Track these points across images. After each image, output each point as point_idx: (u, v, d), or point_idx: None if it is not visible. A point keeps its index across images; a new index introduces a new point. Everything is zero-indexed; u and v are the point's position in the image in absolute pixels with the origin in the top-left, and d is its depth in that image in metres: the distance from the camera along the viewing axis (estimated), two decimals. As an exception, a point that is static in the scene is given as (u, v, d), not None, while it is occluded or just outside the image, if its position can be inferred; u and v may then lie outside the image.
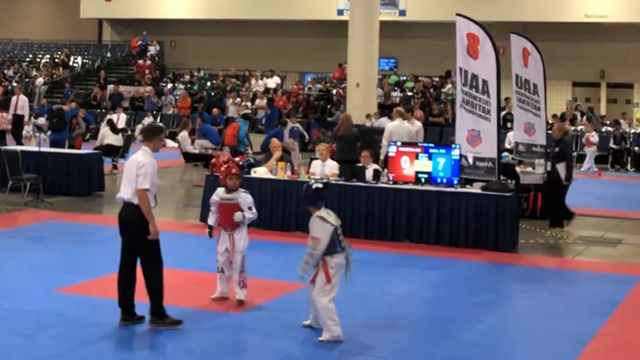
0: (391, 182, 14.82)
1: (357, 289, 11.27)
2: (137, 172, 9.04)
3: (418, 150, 14.78)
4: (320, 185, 9.49)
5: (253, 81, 38.38)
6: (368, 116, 27.18)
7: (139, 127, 34.43)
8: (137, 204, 9.05)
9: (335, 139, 18.70)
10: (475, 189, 14.52)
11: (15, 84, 40.71)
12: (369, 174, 15.18)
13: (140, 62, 41.84)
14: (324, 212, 9.30)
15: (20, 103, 26.56)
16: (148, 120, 34.81)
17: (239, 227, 10.32)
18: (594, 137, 28.97)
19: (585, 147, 29.07)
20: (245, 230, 10.42)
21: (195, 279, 10.55)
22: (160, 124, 16.91)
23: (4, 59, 44.05)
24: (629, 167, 29.86)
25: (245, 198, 10.33)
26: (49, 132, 23.12)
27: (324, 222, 9.18)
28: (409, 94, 35.22)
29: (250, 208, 10.33)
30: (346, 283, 9.28)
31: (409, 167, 14.75)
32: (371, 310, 10.37)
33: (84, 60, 44.21)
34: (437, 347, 8.99)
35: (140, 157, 9.18)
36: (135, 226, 9.11)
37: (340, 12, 38.26)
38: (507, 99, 27.33)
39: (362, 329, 9.59)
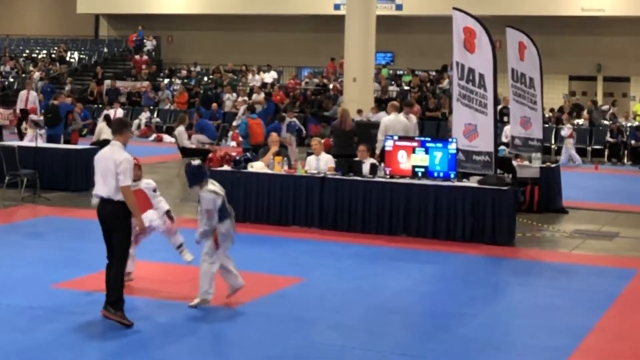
0: (388, 176, 14.82)
1: (354, 283, 11.32)
2: (117, 170, 9.07)
3: (415, 144, 14.79)
4: (199, 162, 10.17)
5: (250, 76, 38.37)
6: (359, 111, 27.11)
7: (135, 122, 34.52)
8: (117, 200, 9.09)
9: (333, 134, 18.67)
10: (472, 182, 14.53)
11: (12, 79, 40.80)
12: (365, 168, 15.20)
13: (137, 57, 41.79)
14: (211, 185, 9.91)
15: (31, 98, 26.67)
16: (145, 115, 34.89)
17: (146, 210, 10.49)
18: (565, 131, 28.81)
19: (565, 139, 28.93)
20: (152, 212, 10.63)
21: (191, 274, 10.53)
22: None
23: (1, 54, 43.96)
24: (625, 160, 29.86)
25: (147, 184, 10.65)
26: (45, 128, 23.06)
27: (216, 195, 9.81)
28: (406, 88, 35.23)
29: (154, 190, 10.71)
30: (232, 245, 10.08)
31: (405, 161, 14.75)
32: (368, 304, 10.38)
33: (81, 56, 44.15)
34: (434, 342, 9.01)
35: (115, 155, 9.19)
36: (114, 222, 9.17)
37: (336, 7, 38.18)
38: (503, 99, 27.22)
39: (360, 323, 9.62)
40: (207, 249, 9.88)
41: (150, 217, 10.47)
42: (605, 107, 34.19)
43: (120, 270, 9.28)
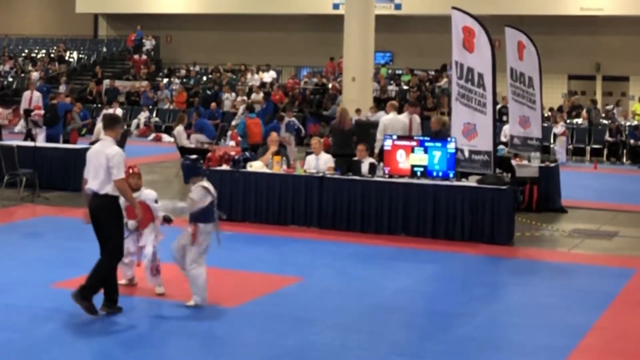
0: (387, 176, 14.82)
1: (353, 283, 11.33)
2: (110, 165, 9.25)
3: (414, 143, 14.79)
4: (195, 156, 10.30)
5: (249, 75, 38.38)
6: (358, 111, 27.13)
7: (134, 121, 34.53)
8: (102, 193, 9.28)
9: (332, 133, 18.66)
10: (471, 182, 14.53)
11: (10, 79, 40.79)
12: (364, 167, 15.20)
13: (136, 57, 41.78)
14: (206, 183, 9.99)
15: (35, 98, 26.74)
16: (144, 114, 34.88)
17: (148, 225, 10.45)
18: (558, 128, 28.78)
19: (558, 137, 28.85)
20: (156, 228, 10.55)
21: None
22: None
23: (0, 54, 43.95)
24: (624, 159, 29.88)
25: (147, 194, 10.57)
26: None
27: (205, 192, 9.88)
28: (405, 87, 35.24)
29: (156, 201, 10.59)
30: (218, 246, 9.99)
31: (404, 160, 14.75)
32: (367, 303, 10.38)
33: (80, 55, 44.13)
34: (433, 341, 9.01)
35: (107, 149, 9.35)
36: (101, 215, 9.35)
37: (335, 7, 38.18)
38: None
39: (358, 323, 9.61)
40: (192, 256, 9.85)
41: (144, 241, 10.49)
42: (609, 107, 34.15)
43: (106, 263, 9.41)
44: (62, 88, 36.10)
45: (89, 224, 9.51)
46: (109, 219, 9.39)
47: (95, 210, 9.39)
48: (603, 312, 10.28)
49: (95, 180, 9.34)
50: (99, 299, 9.43)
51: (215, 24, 42.32)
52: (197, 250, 9.89)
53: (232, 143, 29.63)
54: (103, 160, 9.27)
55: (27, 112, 25.67)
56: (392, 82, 36.13)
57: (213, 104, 33.07)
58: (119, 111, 30.79)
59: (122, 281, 10.46)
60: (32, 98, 26.66)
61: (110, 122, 9.74)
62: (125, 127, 29.45)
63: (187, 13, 42.59)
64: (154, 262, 10.38)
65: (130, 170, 10.38)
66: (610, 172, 26.84)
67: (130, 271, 10.61)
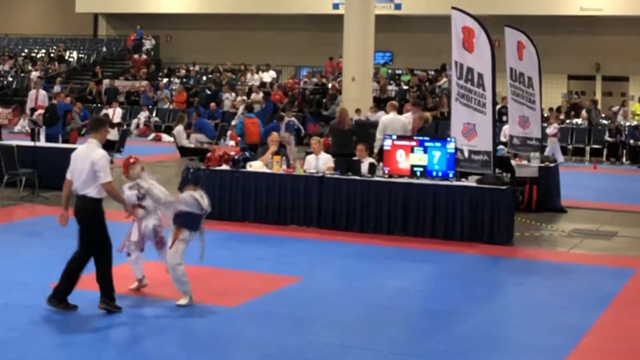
0: (387, 176, 14.84)
1: (352, 282, 11.34)
2: (95, 168, 9.27)
3: (413, 143, 14.80)
4: (199, 167, 10.43)
5: (249, 75, 38.39)
6: (357, 111, 27.14)
7: (134, 121, 34.53)
8: (81, 194, 9.36)
9: (332, 133, 18.68)
10: (471, 182, 14.54)
11: (10, 79, 40.80)
12: (364, 167, 15.22)
13: (136, 56, 41.79)
14: (198, 194, 9.92)
15: (40, 97, 26.86)
16: (144, 114, 34.88)
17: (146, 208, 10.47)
18: (550, 129, 28.75)
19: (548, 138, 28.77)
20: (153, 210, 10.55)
21: (191, 273, 10.54)
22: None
23: (0, 54, 43.96)
24: (624, 159, 29.89)
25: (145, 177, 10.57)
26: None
27: (194, 202, 9.83)
28: (405, 87, 35.26)
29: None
30: (200, 260, 9.98)
31: (404, 160, 14.76)
32: (367, 303, 10.39)
33: (80, 55, 44.13)
34: (432, 340, 9.02)
35: (92, 152, 9.37)
36: (81, 216, 9.43)
37: (335, 6, 38.20)
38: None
39: (358, 322, 9.64)
40: (174, 257, 9.83)
41: (145, 223, 10.49)
42: (615, 109, 34.09)
43: (77, 262, 9.50)
44: (57, 88, 35.95)
45: (64, 226, 9.54)
46: (88, 221, 9.43)
47: (76, 210, 9.47)
48: (602, 312, 10.29)
49: (77, 182, 9.40)
50: (95, 298, 9.45)
51: (215, 24, 42.33)
52: (175, 252, 9.86)
53: (232, 143, 29.65)
54: (87, 164, 9.29)
55: (34, 111, 25.78)
56: (391, 82, 36.16)
57: (213, 104, 33.10)
58: (118, 111, 30.79)
59: (133, 285, 10.45)
60: (37, 97, 26.79)
61: (96, 124, 9.73)
62: (125, 126, 29.46)
63: (187, 13, 42.60)
64: (156, 238, 10.41)
65: (131, 160, 10.33)
66: (610, 172, 26.86)
67: (139, 269, 10.53)
